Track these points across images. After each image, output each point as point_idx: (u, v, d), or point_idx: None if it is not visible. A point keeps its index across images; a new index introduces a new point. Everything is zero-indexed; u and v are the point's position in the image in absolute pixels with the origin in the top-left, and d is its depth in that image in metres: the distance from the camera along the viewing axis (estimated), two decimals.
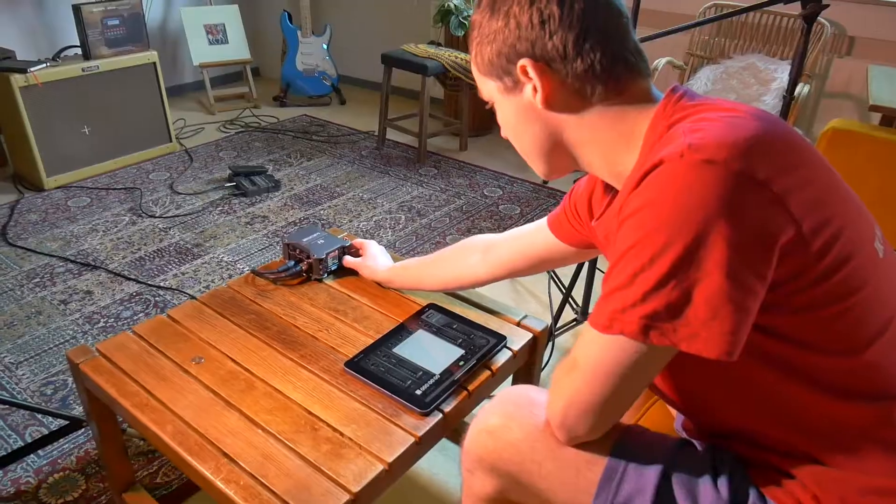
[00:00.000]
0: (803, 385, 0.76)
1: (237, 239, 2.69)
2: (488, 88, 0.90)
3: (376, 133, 3.81)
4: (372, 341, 1.31)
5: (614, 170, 0.86)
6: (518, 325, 1.39)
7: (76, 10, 3.10)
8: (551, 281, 2.41)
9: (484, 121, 3.96)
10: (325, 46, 4.38)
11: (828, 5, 1.55)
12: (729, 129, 0.70)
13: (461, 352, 1.27)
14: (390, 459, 1.05)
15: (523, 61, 0.82)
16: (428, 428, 1.11)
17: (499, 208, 3.00)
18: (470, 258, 1.34)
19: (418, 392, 1.17)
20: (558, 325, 2.14)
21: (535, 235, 1.23)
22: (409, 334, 1.32)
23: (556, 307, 2.17)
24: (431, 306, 1.41)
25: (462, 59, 3.37)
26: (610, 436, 0.86)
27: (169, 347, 1.29)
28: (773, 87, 2.92)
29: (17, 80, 2.90)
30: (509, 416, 0.90)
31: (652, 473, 0.83)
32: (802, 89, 2.79)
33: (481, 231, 2.79)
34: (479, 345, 1.29)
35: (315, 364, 1.25)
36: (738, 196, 0.66)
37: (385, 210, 2.98)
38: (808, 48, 1.59)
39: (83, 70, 3.14)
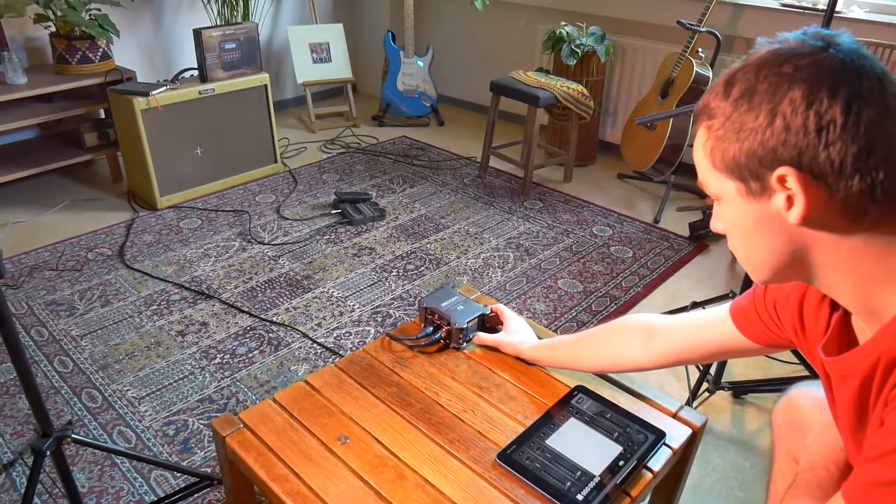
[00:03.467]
0: None
1: (346, 272, 2.67)
2: (722, 187, 0.77)
3: (478, 160, 3.74)
4: (520, 427, 1.25)
5: (868, 304, 0.74)
6: (674, 416, 1.30)
7: (197, 34, 3.15)
8: None
9: (588, 151, 3.84)
10: (424, 66, 4.35)
11: None
12: None
13: (619, 449, 1.19)
14: None
15: (784, 170, 0.69)
16: None
17: (610, 250, 2.89)
18: (630, 343, 1.26)
19: (580, 497, 1.09)
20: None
21: (712, 327, 1.13)
22: (561, 423, 1.24)
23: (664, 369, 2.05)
24: (580, 389, 1.33)
25: (574, 90, 3.26)
26: None
27: (313, 422, 1.25)
28: None
29: (139, 102, 2.97)
30: None
31: None
32: None
33: (594, 275, 2.68)
34: (637, 441, 1.21)
35: (465, 452, 1.19)
36: None
37: (492, 246, 2.91)
38: None
39: (199, 93, 3.19)
